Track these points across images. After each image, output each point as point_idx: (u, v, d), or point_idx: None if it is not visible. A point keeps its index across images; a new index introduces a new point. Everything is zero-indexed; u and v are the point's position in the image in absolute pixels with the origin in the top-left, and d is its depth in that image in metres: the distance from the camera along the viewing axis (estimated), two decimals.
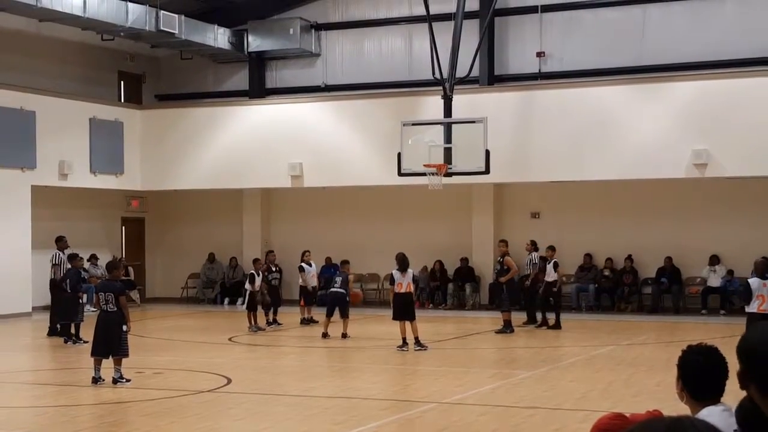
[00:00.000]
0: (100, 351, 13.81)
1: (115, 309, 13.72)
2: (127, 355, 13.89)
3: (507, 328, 20.38)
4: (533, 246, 22.39)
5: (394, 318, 17.86)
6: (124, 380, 13.69)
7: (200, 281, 29.80)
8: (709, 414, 3.96)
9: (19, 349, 19.74)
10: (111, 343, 13.71)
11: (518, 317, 21.33)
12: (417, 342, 17.69)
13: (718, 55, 24.82)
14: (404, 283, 17.84)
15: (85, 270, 21.80)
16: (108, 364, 13.80)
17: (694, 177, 23.56)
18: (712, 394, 4.09)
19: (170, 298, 29.74)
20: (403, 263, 17.92)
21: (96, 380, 13.71)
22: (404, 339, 17.68)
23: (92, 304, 18.73)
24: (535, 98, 25.29)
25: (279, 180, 27.19)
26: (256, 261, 22.27)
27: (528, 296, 22.46)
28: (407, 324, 17.72)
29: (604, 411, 11.44)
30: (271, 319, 22.10)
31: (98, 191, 27.64)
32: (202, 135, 27.95)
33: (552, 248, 22.03)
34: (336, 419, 11.23)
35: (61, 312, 19.50)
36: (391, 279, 18.13)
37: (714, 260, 24.95)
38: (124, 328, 13.78)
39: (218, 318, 25.82)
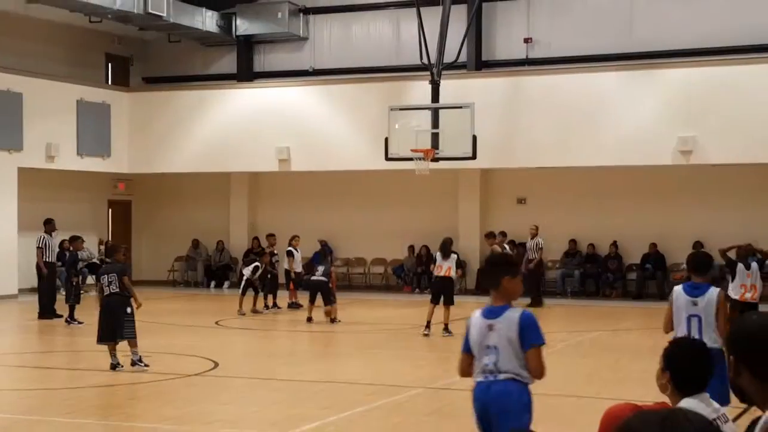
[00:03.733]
0: (107, 336, 13.54)
1: (118, 290, 13.56)
2: (134, 337, 13.59)
3: None
4: (536, 230, 23.48)
5: (432, 301, 17.62)
6: (143, 364, 13.48)
7: (185, 264, 29.80)
8: (689, 405, 4.05)
9: (5, 331, 19.75)
10: (117, 326, 13.44)
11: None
12: (445, 328, 17.45)
13: (707, 43, 24.88)
14: (444, 267, 17.65)
15: (70, 254, 21.69)
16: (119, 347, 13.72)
17: (680, 164, 23.69)
18: (698, 388, 4.19)
19: (157, 281, 29.72)
20: (444, 248, 17.77)
21: (115, 366, 13.36)
22: (428, 322, 17.46)
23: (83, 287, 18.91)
24: (523, 84, 25.34)
25: (266, 164, 27.19)
26: (263, 254, 22.30)
27: (535, 280, 23.13)
28: (441, 308, 17.46)
29: (589, 396, 11.59)
30: (270, 303, 22.20)
31: (85, 174, 27.58)
32: (190, 118, 27.90)
33: (503, 234, 22.43)
34: (323, 403, 11.29)
35: (67, 294, 19.61)
36: (434, 261, 18.13)
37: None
38: (128, 309, 13.54)
39: (205, 301, 25.87)
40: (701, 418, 2.39)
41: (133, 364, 13.48)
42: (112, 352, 13.48)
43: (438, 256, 17.91)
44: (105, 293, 13.66)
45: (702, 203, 25.29)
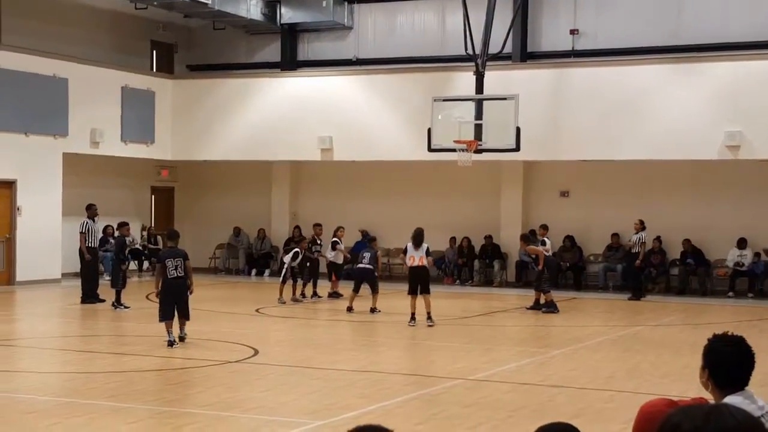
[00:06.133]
0: (170, 314, 14.40)
1: (183, 274, 14.38)
2: (188, 318, 14.73)
3: (552, 306, 20.20)
4: (641, 225, 23.32)
5: (409, 292, 17.88)
6: (173, 343, 14.37)
7: (226, 252, 29.95)
8: (732, 402, 3.97)
9: (49, 315, 19.96)
10: (181, 305, 14.44)
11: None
12: (428, 317, 17.69)
13: (755, 36, 24.52)
14: (417, 257, 17.85)
15: (117, 239, 21.93)
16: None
17: (727, 159, 23.39)
18: (738, 385, 4.10)
19: (198, 268, 29.79)
20: (416, 238, 17.92)
21: (171, 343, 14.29)
22: (413, 314, 17.77)
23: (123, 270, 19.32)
24: (568, 76, 25.14)
25: (308, 153, 27.23)
26: (301, 240, 22.46)
27: (639, 275, 23.64)
28: (420, 298, 17.72)
29: (629, 391, 11.49)
30: (310, 292, 22.28)
31: (129, 160, 27.79)
32: (233, 106, 28.01)
33: (544, 227, 22.33)
34: (361, 393, 11.29)
35: (114, 279, 19.79)
36: (405, 252, 18.30)
37: (742, 243, 24.77)
38: (188, 292, 14.57)
39: (245, 289, 25.97)
40: (746, 413, 2.34)
41: (182, 339, 14.53)
42: (169, 330, 14.34)
43: (409, 246, 17.99)
44: (171, 276, 14.37)
45: (746, 199, 24.96)
